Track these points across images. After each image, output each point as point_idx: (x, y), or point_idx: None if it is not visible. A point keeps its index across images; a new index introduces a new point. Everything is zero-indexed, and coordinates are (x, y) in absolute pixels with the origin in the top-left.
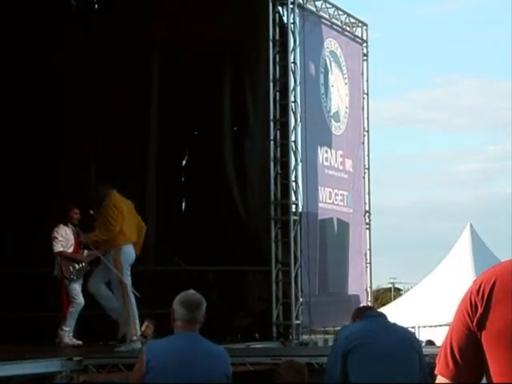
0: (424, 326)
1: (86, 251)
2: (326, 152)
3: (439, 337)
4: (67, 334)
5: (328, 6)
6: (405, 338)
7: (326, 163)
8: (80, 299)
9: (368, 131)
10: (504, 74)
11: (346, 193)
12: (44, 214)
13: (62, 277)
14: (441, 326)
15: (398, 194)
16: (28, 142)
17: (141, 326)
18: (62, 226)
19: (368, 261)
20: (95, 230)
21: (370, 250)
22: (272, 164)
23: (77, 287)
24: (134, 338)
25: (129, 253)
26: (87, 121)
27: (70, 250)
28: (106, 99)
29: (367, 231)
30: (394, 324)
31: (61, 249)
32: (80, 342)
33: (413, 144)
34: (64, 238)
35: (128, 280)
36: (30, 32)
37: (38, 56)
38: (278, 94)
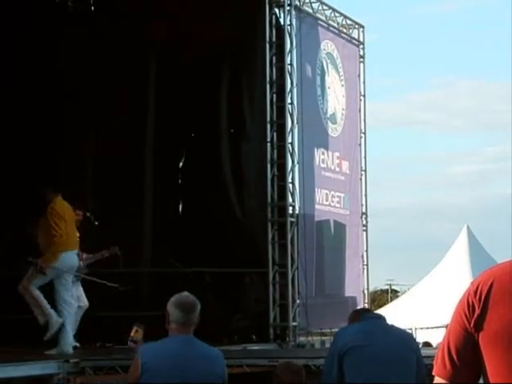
0: (421, 328)
1: (85, 254)
2: (323, 154)
3: (436, 338)
4: None
5: (325, 7)
6: (402, 340)
7: (322, 165)
8: (78, 303)
9: (365, 133)
10: (500, 76)
11: (342, 194)
12: (43, 215)
13: None
14: (438, 327)
15: (394, 196)
16: (27, 142)
17: (130, 330)
18: None
19: (365, 262)
20: (39, 239)
21: (366, 251)
22: (269, 166)
23: (74, 290)
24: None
25: (68, 259)
26: (86, 121)
27: None
28: (105, 100)
29: (364, 233)
30: (392, 325)
31: None
32: (77, 344)
33: (409, 146)
34: None
35: (64, 287)
36: (29, 32)
37: (38, 56)
38: (274, 95)
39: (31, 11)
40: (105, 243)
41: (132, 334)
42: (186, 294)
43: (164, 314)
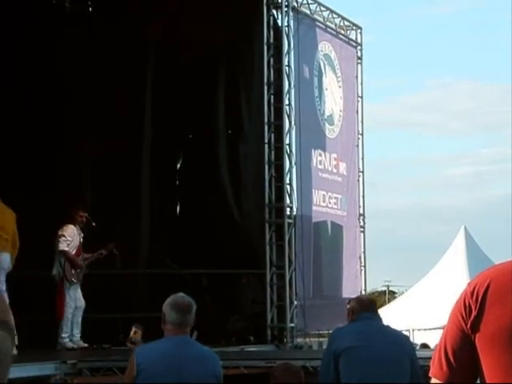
0: (418, 329)
1: (84, 254)
2: (320, 155)
3: (434, 340)
4: (67, 340)
5: (322, 9)
6: (397, 341)
7: (319, 166)
8: (76, 304)
9: (362, 134)
10: (498, 77)
11: (339, 196)
12: (42, 216)
13: (63, 278)
14: (435, 328)
15: (392, 197)
16: (27, 141)
17: (129, 331)
18: (70, 225)
19: (362, 264)
20: None
21: (364, 252)
22: (266, 167)
23: (73, 292)
24: None
25: (3, 260)
26: (85, 121)
27: (73, 251)
28: (104, 100)
29: (361, 234)
30: (388, 326)
31: (66, 248)
32: (85, 345)
33: (407, 147)
34: (71, 238)
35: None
36: (29, 32)
37: (38, 56)
38: (272, 97)
39: (31, 11)
40: (102, 243)
41: (131, 334)
42: (181, 294)
43: (161, 316)
